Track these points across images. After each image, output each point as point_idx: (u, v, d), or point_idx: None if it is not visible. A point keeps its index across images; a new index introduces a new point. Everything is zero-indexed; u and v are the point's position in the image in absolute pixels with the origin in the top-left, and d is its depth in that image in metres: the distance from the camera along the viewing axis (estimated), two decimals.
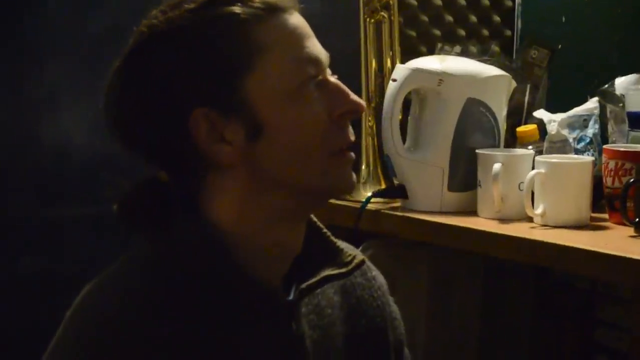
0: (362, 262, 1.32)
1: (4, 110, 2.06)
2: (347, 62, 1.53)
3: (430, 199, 1.95)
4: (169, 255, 1.21)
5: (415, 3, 2.37)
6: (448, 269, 2.07)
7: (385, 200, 2.02)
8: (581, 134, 1.98)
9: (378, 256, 1.93)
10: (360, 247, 1.91)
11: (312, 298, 1.29)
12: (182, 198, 1.23)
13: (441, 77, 1.92)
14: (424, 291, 2.05)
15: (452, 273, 2.08)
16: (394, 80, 1.95)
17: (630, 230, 1.75)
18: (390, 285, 1.43)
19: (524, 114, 2.16)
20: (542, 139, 2.00)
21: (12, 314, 2.06)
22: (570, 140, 1.98)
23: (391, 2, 2.08)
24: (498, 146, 1.96)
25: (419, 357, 1.96)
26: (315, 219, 1.31)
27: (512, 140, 2.05)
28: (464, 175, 1.94)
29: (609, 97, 2.03)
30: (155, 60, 1.20)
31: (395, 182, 1.99)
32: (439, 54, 2.26)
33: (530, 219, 1.84)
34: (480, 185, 1.90)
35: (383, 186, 2.05)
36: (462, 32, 2.44)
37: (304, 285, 1.26)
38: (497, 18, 2.49)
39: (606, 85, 2.05)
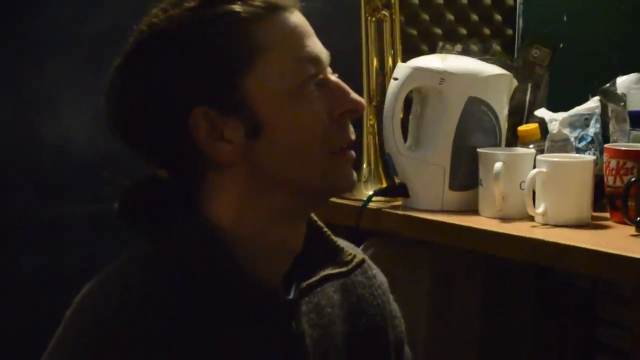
0: (362, 261, 1.32)
1: (4, 110, 2.06)
2: (348, 61, 1.53)
3: (431, 197, 1.95)
4: (168, 254, 1.21)
5: (417, 2, 2.37)
6: (449, 268, 2.07)
7: (387, 199, 2.02)
8: (582, 133, 1.98)
9: (379, 255, 1.93)
10: (362, 246, 1.91)
11: (312, 297, 1.28)
12: (182, 197, 1.23)
13: (442, 76, 1.92)
14: (425, 290, 2.05)
15: (453, 272, 2.08)
16: (395, 79, 1.95)
17: (632, 229, 1.75)
18: (391, 284, 1.43)
19: (525, 113, 2.16)
20: (544, 138, 2.00)
21: (12, 313, 2.06)
22: (572, 139, 1.97)
23: (392, 0, 2.08)
24: (499, 145, 1.96)
25: (420, 356, 1.96)
26: (315, 217, 1.31)
27: (514, 139, 2.04)
28: (465, 174, 1.94)
29: (610, 96, 2.03)
30: (155, 58, 1.20)
31: (397, 180, 1.99)
32: (440, 52, 2.26)
33: (531, 218, 1.84)
34: (481, 184, 1.90)
35: (384, 185, 2.05)
36: (464, 31, 2.44)
37: (304, 284, 1.26)
38: (498, 17, 2.49)
39: (607, 84, 2.05)
